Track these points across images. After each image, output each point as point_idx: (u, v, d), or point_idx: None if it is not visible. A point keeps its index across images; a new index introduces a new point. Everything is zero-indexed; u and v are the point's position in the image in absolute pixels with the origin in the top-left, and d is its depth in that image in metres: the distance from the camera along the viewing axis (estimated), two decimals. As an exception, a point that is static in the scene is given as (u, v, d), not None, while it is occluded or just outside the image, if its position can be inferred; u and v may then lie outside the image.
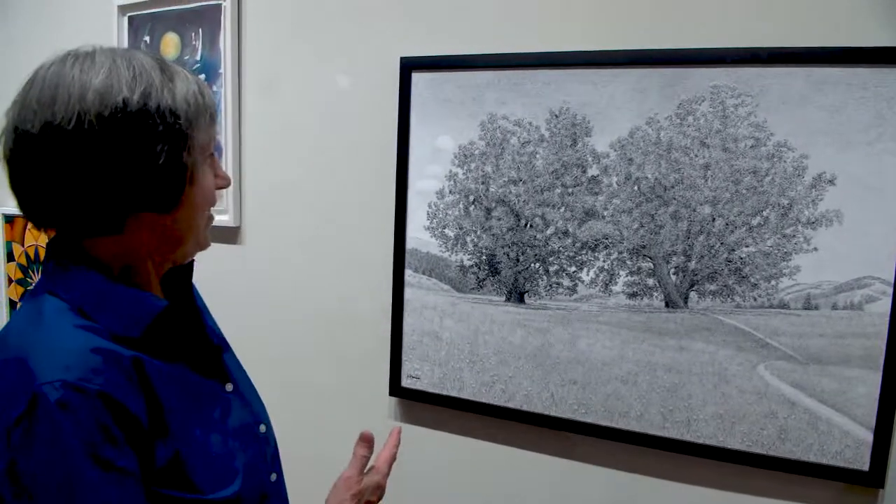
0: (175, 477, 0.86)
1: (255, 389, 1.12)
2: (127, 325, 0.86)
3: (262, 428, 1.06)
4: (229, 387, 1.01)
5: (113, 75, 0.83)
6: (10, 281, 2.75)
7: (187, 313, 1.01)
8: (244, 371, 1.12)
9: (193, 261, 1.05)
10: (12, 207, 2.65)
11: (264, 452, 1.03)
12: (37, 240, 2.62)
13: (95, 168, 0.82)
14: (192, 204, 0.92)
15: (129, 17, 2.27)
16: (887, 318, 1.37)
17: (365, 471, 1.17)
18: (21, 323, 0.87)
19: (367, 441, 1.18)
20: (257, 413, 1.06)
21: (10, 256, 2.72)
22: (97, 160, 0.82)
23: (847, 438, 1.41)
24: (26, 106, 0.84)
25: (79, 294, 0.86)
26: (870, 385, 1.39)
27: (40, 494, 0.76)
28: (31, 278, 2.67)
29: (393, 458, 1.21)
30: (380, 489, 1.18)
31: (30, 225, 2.60)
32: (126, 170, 0.83)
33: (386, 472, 1.19)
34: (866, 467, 1.40)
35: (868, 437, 1.40)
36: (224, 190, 1.01)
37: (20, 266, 2.70)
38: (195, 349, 0.97)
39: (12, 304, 2.75)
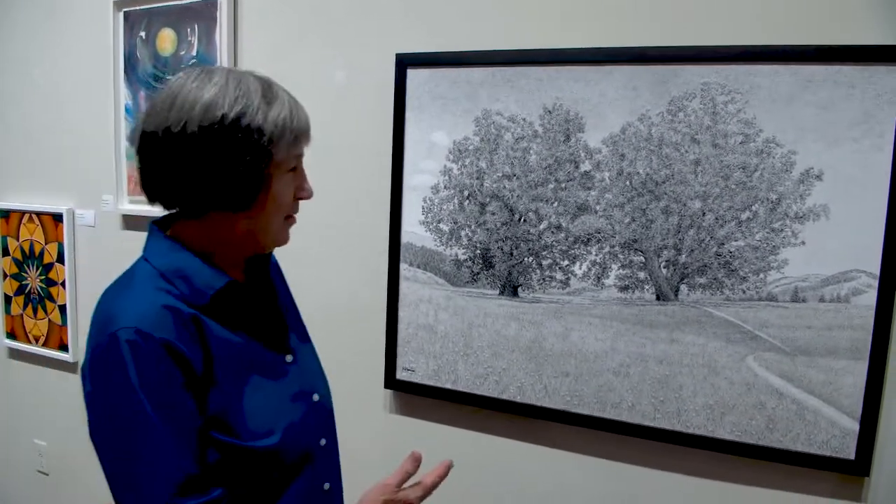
0: (221, 423, 1.01)
1: (317, 365, 1.28)
2: (197, 293, 1.03)
3: (316, 397, 1.19)
4: (289, 358, 1.16)
5: (220, 93, 0.99)
6: (4, 276, 2.76)
7: (256, 292, 1.16)
8: (312, 349, 1.28)
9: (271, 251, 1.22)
10: (7, 202, 2.67)
11: (315, 418, 1.17)
12: (32, 234, 2.63)
13: (191, 165, 0.99)
14: (265, 209, 1.06)
15: (125, 13, 2.28)
16: (873, 311, 1.40)
17: (405, 485, 1.21)
18: (119, 284, 1.06)
19: (415, 460, 1.25)
20: (313, 383, 1.20)
21: (5, 251, 2.73)
22: (193, 159, 0.98)
23: (834, 428, 1.45)
24: (152, 110, 1.01)
25: (165, 264, 1.04)
26: (856, 375, 1.42)
27: (109, 425, 0.95)
28: (25, 272, 2.68)
29: (435, 486, 1.25)
30: None
31: (25, 219, 2.62)
32: (213, 171, 0.99)
33: (421, 496, 1.22)
34: (852, 456, 1.43)
35: (854, 426, 1.43)
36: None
37: (15, 261, 2.70)
38: (260, 322, 1.12)
39: (7, 298, 2.76)
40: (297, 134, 1.05)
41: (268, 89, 1.03)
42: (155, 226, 1.10)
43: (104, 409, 0.96)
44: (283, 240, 1.15)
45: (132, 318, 0.96)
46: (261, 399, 1.07)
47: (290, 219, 1.13)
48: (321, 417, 1.20)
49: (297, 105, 1.07)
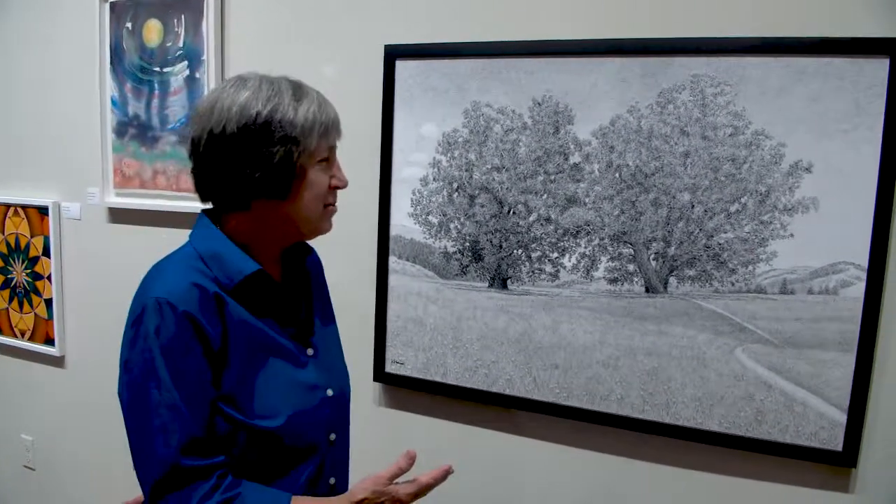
0: (230, 397, 1.10)
1: (340, 362, 1.35)
2: (227, 276, 1.13)
3: (330, 392, 1.23)
4: (310, 352, 1.23)
5: (253, 95, 1.09)
6: (-10, 269, 2.73)
7: (288, 285, 1.26)
8: (337, 345, 1.36)
9: (310, 247, 1.33)
10: (-8, 195, 2.64)
11: (328, 412, 1.23)
12: (17, 228, 2.60)
13: (233, 161, 1.09)
14: (302, 197, 1.15)
15: (112, 4, 2.26)
16: (861, 303, 1.41)
17: (397, 481, 1.20)
18: (162, 261, 1.18)
19: (410, 458, 1.24)
20: (329, 379, 1.25)
21: (-10, 245, 2.70)
22: (234, 155, 1.09)
23: (822, 420, 1.45)
24: (196, 117, 1.13)
25: (205, 247, 1.15)
26: (844, 367, 1.42)
27: (130, 385, 1.06)
28: (11, 266, 2.65)
29: (429, 487, 1.23)
30: (398, 503, 1.21)
31: (10, 213, 2.59)
32: (252, 163, 1.09)
33: (413, 492, 1.21)
34: (840, 447, 1.44)
35: (842, 418, 1.43)
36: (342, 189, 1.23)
37: (0, 254, 2.68)
38: (287, 314, 1.21)
39: (-7, 292, 2.74)
40: (327, 126, 1.14)
41: (298, 89, 1.13)
42: (203, 214, 1.20)
43: (129, 369, 1.07)
44: (324, 228, 1.23)
45: (162, 291, 1.07)
46: (272, 383, 1.15)
47: (329, 207, 1.21)
48: (334, 412, 1.25)
49: (326, 101, 1.16)
